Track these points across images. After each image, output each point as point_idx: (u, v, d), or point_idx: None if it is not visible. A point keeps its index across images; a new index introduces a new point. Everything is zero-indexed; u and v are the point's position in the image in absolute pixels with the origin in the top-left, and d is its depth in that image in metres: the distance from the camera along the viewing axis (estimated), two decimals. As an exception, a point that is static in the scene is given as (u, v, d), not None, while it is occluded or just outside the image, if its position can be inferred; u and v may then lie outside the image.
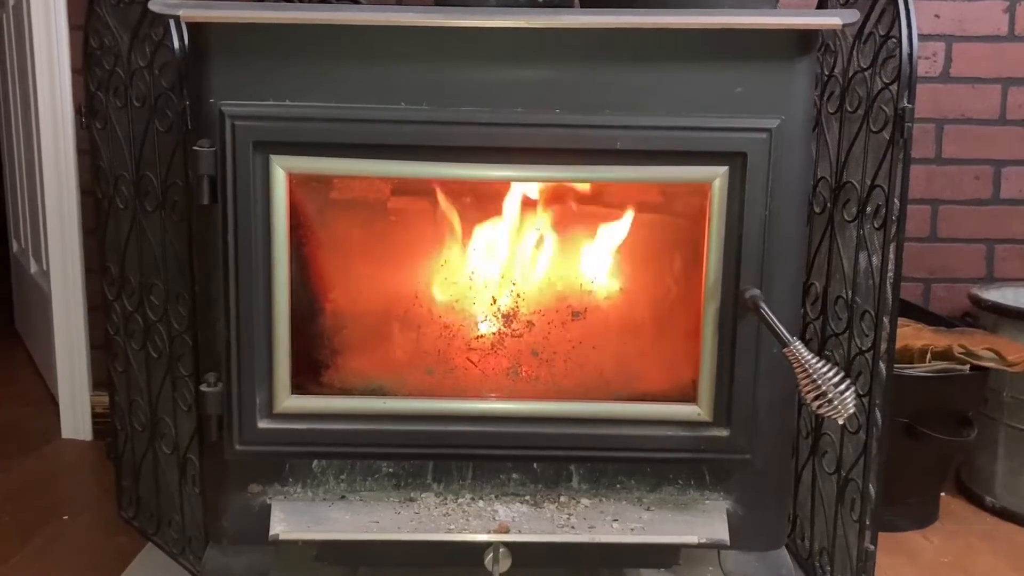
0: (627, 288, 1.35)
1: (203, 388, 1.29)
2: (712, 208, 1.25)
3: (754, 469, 1.32)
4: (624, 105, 1.23)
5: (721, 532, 1.30)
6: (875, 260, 1.31)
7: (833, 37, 1.42)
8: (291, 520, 1.30)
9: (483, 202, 1.32)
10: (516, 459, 1.34)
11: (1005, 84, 2.03)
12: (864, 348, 1.35)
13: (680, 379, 1.32)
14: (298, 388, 1.30)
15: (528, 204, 1.33)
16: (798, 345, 1.19)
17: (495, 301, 1.33)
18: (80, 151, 2.05)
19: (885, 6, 1.29)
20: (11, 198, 2.93)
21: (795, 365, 1.18)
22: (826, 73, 1.44)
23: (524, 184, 1.31)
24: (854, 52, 1.36)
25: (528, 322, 1.33)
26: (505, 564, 1.28)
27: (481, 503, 1.33)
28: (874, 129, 1.31)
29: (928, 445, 1.70)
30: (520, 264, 1.34)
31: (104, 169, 1.50)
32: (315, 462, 1.34)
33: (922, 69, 2.01)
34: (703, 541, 1.29)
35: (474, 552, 1.29)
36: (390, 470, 1.34)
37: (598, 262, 1.34)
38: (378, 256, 1.33)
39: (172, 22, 1.29)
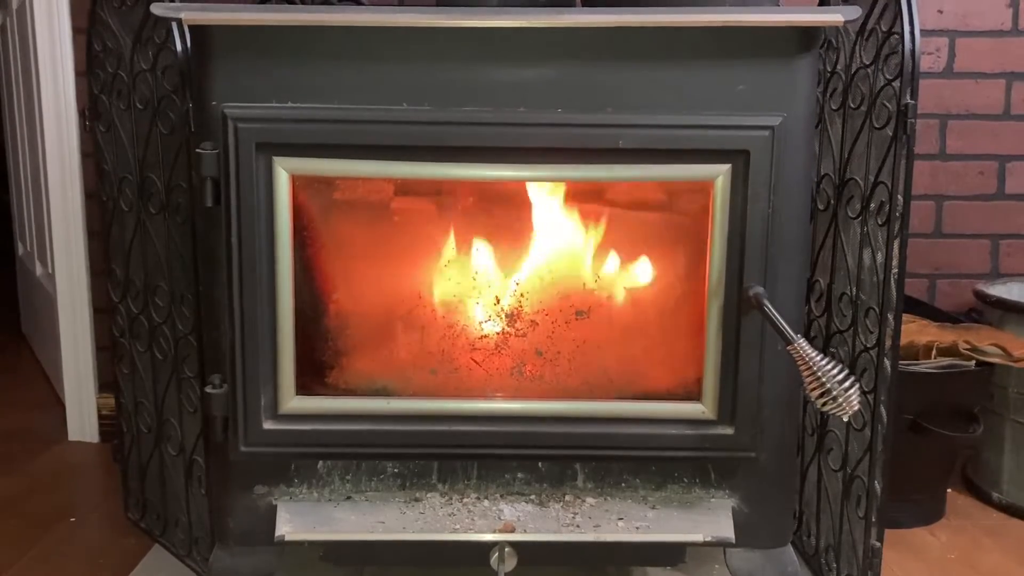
0: (631, 286, 1.34)
1: (208, 390, 1.29)
2: (715, 206, 1.25)
3: (759, 467, 1.32)
4: (626, 104, 1.23)
5: (726, 530, 1.30)
6: (879, 256, 1.31)
7: (835, 34, 1.42)
8: (297, 521, 1.30)
9: (486, 202, 1.32)
10: (521, 458, 1.34)
11: (1009, 79, 2.02)
12: (869, 345, 1.35)
13: (684, 377, 1.32)
14: (303, 389, 1.31)
15: (530, 203, 1.33)
16: (802, 342, 1.18)
17: (498, 301, 1.33)
18: (84, 154, 2.06)
19: (887, 2, 1.28)
20: (16, 201, 2.94)
21: (799, 362, 1.18)
22: (828, 70, 1.44)
23: (527, 184, 1.31)
24: (856, 48, 1.36)
25: (532, 321, 1.33)
26: (511, 563, 1.29)
27: (486, 503, 1.33)
28: (877, 125, 1.30)
29: (934, 441, 1.70)
30: (523, 264, 1.34)
31: (108, 172, 1.51)
32: (320, 463, 1.34)
33: (925, 64, 2.00)
34: (709, 539, 1.29)
35: (480, 551, 1.29)
36: (395, 470, 1.35)
37: (601, 261, 1.34)
38: (381, 257, 1.34)
39: (174, 24, 1.29)
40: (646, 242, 1.33)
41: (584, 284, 1.34)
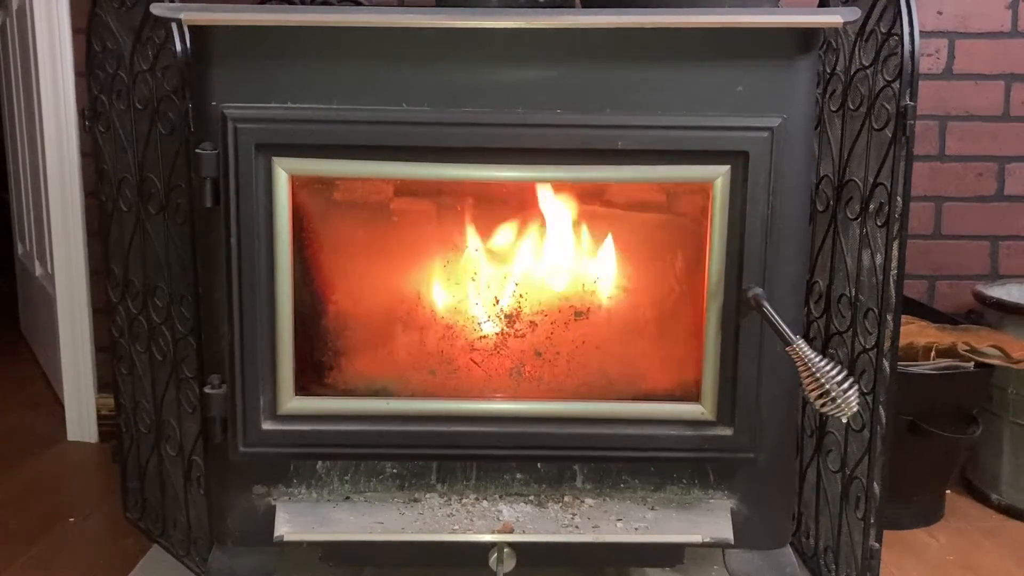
0: (630, 288, 1.35)
1: (207, 390, 1.29)
2: (714, 207, 1.25)
3: (758, 468, 1.32)
4: (625, 105, 1.23)
5: (725, 531, 1.30)
6: (878, 258, 1.31)
7: (835, 35, 1.42)
8: (296, 521, 1.30)
9: (485, 203, 1.32)
10: (520, 459, 1.34)
11: (1008, 80, 2.02)
12: (868, 346, 1.35)
13: (683, 378, 1.32)
14: (302, 389, 1.31)
15: (529, 204, 1.33)
16: (801, 343, 1.19)
17: (498, 302, 1.33)
18: (83, 154, 2.06)
19: (887, 4, 1.28)
20: (16, 201, 2.94)
21: (798, 363, 1.18)
22: (828, 71, 1.44)
23: (526, 184, 1.31)
24: (856, 50, 1.36)
25: (531, 322, 1.33)
26: (509, 564, 1.29)
27: (485, 503, 1.33)
28: (876, 127, 1.30)
29: (933, 443, 1.70)
30: (522, 265, 1.34)
31: (107, 172, 1.51)
32: (319, 463, 1.34)
33: (925, 66, 2.01)
34: (707, 540, 1.29)
35: (478, 552, 1.29)
36: (394, 471, 1.35)
37: (600, 262, 1.34)
38: (381, 257, 1.34)
39: (174, 25, 1.29)
40: (645, 243, 1.33)
41: (583, 285, 1.34)
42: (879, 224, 1.31)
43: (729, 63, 1.23)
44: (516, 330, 1.33)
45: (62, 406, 2.23)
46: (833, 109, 1.43)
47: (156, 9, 1.22)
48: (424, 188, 1.32)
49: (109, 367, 1.61)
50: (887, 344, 1.31)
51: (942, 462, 1.81)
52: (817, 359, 1.17)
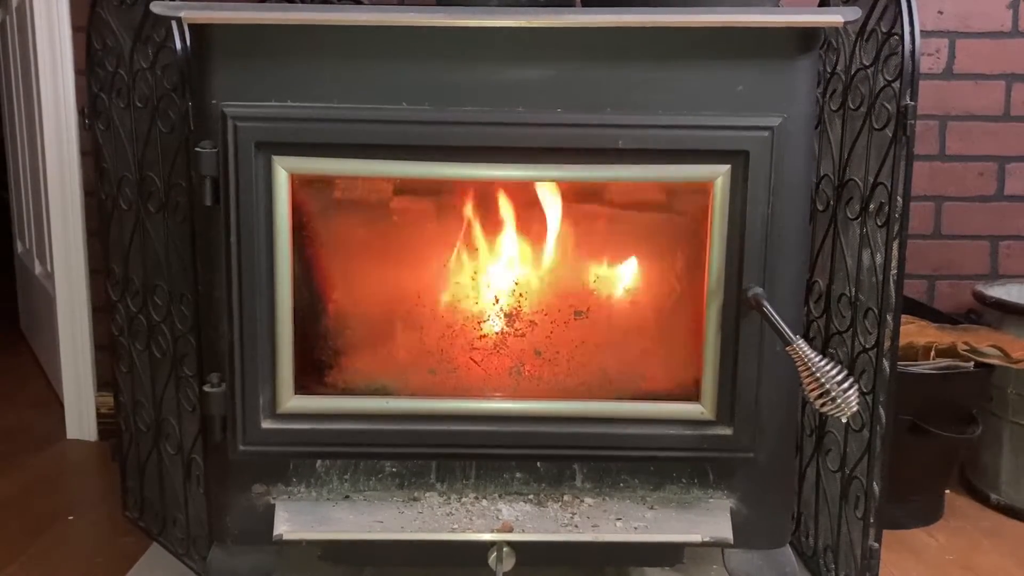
0: (630, 287, 1.34)
1: (207, 388, 1.29)
2: (714, 207, 1.25)
3: (758, 467, 1.32)
4: (626, 104, 1.23)
5: (725, 530, 1.30)
6: (878, 257, 1.31)
7: (835, 34, 1.42)
8: (295, 520, 1.30)
9: (485, 202, 1.32)
10: (519, 458, 1.34)
11: (1009, 80, 2.02)
12: (868, 346, 1.35)
13: (683, 378, 1.32)
14: (301, 388, 1.31)
15: (529, 203, 1.33)
16: (801, 343, 1.18)
17: (498, 300, 1.33)
18: (83, 152, 2.06)
19: (887, 3, 1.28)
20: (15, 199, 2.94)
21: (798, 363, 1.18)
22: (828, 71, 1.44)
23: (526, 184, 1.31)
24: (856, 49, 1.36)
25: (531, 321, 1.33)
26: (509, 563, 1.29)
27: (485, 502, 1.33)
28: (877, 126, 1.30)
29: (932, 442, 1.70)
30: (522, 263, 1.34)
31: (107, 170, 1.51)
32: (319, 462, 1.34)
33: (925, 66, 2.00)
34: (707, 540, 1.29)
35: (478, 551, 1.29)
36: (394, 470, 1.35)
37: (600, 261, 1.34)
38: (381, 256, 1.34)
39: (174, 23, 1.29)
40: (645, 242, 1.33)
41: (583, 284, 1.34)
42: (879, 224, 1.31)
43: (730, 63, 1.23)
44: (516, 329, 1.33)
45: (62, 404, 2.23)
46: (833, 109, 1.43)
47: (156, 7, 1.22)
48: (424, 187, 1.32)
49: (109, 366, 1.61)
50: (887, 344, 1.31)
51: (942, 462, 1.81)
52: (817, 359, 1.17)
